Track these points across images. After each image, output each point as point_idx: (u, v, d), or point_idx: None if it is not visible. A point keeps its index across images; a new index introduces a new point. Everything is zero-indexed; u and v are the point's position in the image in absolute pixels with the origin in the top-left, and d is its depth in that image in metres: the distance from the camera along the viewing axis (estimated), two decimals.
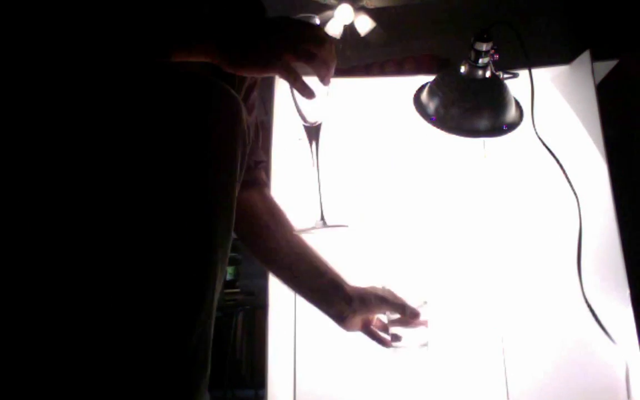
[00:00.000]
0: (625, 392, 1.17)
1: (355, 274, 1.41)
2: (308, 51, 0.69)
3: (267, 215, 1.09)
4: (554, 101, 1.35)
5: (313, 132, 0.75)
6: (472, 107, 1.15)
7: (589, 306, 1.14)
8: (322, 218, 0.73)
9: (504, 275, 1.44)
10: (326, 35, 0.71)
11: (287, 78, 0.70)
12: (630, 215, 1.26)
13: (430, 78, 1.22)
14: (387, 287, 1.12)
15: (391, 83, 1.51)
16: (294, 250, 1.07)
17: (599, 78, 1.34)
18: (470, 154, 1.48)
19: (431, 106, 1.18)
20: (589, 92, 1.25)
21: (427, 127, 1.19)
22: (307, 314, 1.23)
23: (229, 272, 4.97)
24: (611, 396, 1.18)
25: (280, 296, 1.30)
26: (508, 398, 1.38)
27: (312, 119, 0.74)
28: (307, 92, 0.71)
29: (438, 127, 1.18)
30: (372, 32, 4.48)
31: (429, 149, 1.51)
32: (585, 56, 1.27)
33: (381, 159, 1.54)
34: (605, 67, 1.37)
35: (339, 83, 1.60)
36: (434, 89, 1.19)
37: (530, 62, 1.16)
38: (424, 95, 1.21)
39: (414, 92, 1.23)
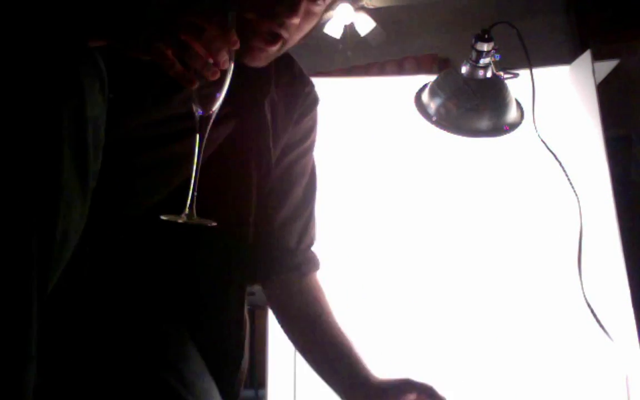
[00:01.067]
0: (625, 393, 1.17)
1: (355, 275, 1.41)
2: (179, 40, 0.65)
3: (313, 305, 1.07)
4: (555, 101, 1.35)
5: (204, 122, 0.72)
6: (473, 107, 1.15)
7: (589, 306, 1.14)
8: (192, 210, 0.71)
9: (504, 275, 1.44)
10: (212, 22, 0.66)
11: (162, 66, 0.66)
12: (630, 215, 1.27)
13: (431, 78, 1.22)
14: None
15: (391, 83, 1.51)
16: (327, 340, 1.05)
17: (600, 78, 1.34)
18: (470, 154, 1.48)
19: (432, 106, 1.18)
20: (589, 92, 1.25)
21: (427, 127, 1.19)
22: None
23: None
24: (611, 396, 1.19)
25: None
26: (509, 398, 1.38)
27: (207, 109, 0.71)
28: (185, 81, 0.67)
29: (439, 127, 1.18)
30: (372, 32, 4.47)
31: (430, 149, 1.51)
32: (586, 56, 1.27)
33: (381, 159, 1.54)
34: (606, 67, 1.37)
35: (339, 83, 1.61)
36: (435, 89, 1.19)
37: (531, 62, 1.17)
38: (425, 95, 1.21)
39: (414, 92, 1.23)
